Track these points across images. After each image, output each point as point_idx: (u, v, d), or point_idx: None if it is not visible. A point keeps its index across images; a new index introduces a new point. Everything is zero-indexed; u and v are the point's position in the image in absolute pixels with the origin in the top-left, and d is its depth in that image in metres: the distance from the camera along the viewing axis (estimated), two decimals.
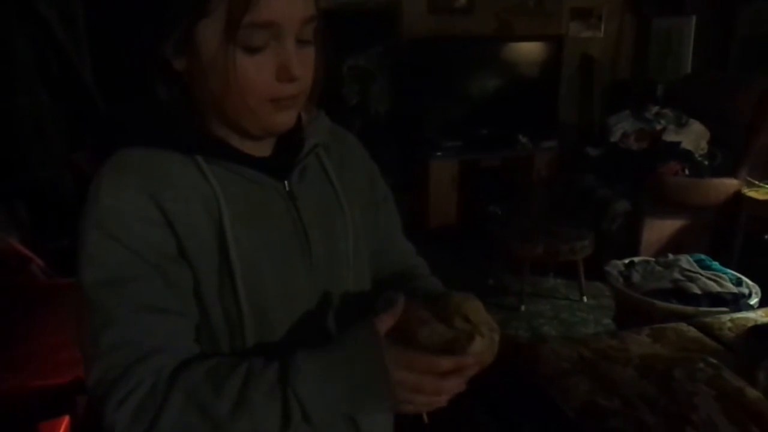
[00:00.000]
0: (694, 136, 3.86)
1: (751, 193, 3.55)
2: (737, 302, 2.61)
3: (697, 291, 2.66)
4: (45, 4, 2.62)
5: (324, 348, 0.73)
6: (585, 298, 3.64)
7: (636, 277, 2.88)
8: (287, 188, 0.84)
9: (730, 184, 3.62)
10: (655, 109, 4.19)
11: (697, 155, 3.77)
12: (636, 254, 3.32)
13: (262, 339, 0.79)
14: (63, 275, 2.05)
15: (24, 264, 2.08)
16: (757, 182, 3.59)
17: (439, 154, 4.44)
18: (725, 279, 2.76)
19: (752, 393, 1.75)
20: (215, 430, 0.69)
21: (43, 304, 1.88)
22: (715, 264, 2.92)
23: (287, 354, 0.73)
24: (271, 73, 0.74)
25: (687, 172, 3.70)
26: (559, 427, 1.82)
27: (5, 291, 1.94)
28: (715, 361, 1.89)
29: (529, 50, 4.70)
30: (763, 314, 2.39)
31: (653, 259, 3.04)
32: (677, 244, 3.53)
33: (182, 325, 0.75)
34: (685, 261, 2.91)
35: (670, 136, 3.91)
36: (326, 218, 0.87)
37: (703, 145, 3.85)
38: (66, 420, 1.63)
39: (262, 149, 0.84)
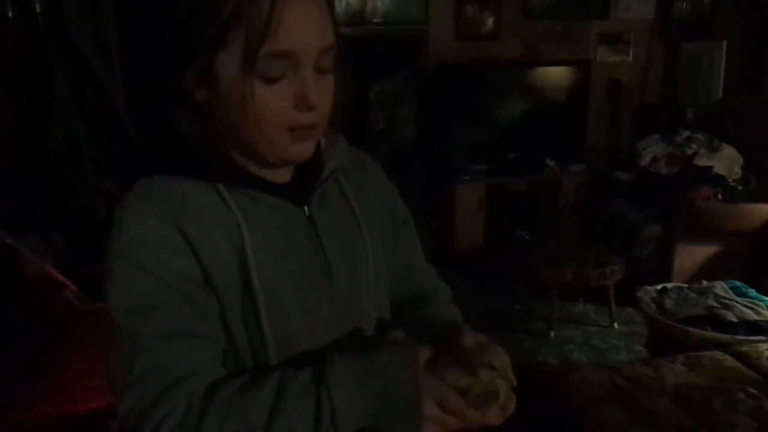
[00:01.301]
0: (726, 161, 3.80)
1: None
2: None
3: (734, 319, 2.59)
4: (82, 37, 2.71)
5: (361, 355, 0.74)
6: (616, 325, 3.57)
7: (669, 303, 2.82)
8: (307, 213, 0.84)
9: (766, 209, 3.54)
10: (686, 133, 4.14)
11: (730, 180, 3.70)
12: (668, 280, 3.25)
13: (285, 362, 0.79)
14: (96, 300, 2.08)
15: (58, 290, 2.11)
16: None
17: (465, 178, 4.43)
18: (762, 307, 2.68)
19: None
20: None
21: (76, 330, 1.91)
22: (752, 291, 2.84)
23: (320, 361, 0.74)
24: (290, 103, 0.75)
25: (720, 197, 3.63)
26: None
27: (40, 318, 1.97)
28: (755, 391, 1.83)
29: (556, 74, 4.69)
30: None
31: (687, 286, 2.97)
32: (711, 270, 3.45)
33: (211, 350, 0.76)
34: (720, 288, 2.85)
35: (701, 161, 3.85)
36: (346, 243, 0.87)
37: (737, 170, 3.78)
38: None
39: (282, 175, 0.85)
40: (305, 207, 0.85)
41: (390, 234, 0.96)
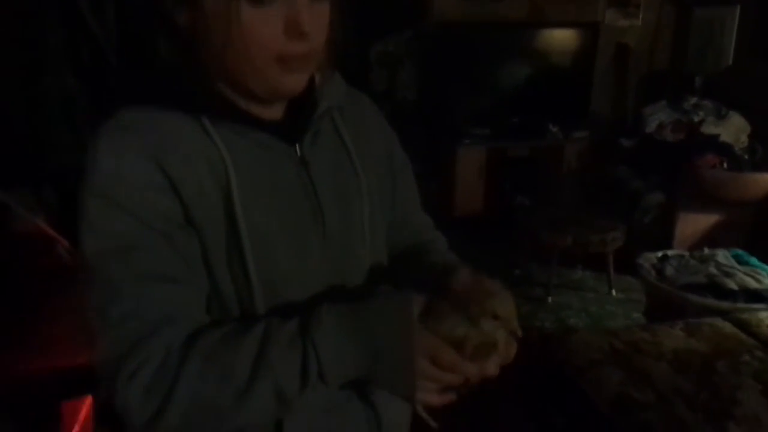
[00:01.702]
0: (733, 129, 3.74)
1: None
2: None
3: (734, 286, 2.57)
4: None
5: (351, 306, 0.70)
6: (614, 292, 3.56)
7: (669, 270, 2.80)
8: (299, 153, 0.79)
9: None
10: (693, 100, 4.08)
11: (736, 149, 3.65)
12: (669, 248, 3.23)
13: (272, 310, 0.75)
14: None
15: (50, 245, 2.09)
16: None
17: (467, 141, 4.37)
18: (763, 275, 2.67)
19: None
20: (237, 395, 0.65)
21: (67, 284, 1.88)
22: (753, 259, 2.82)
23: (308, 312, 0.69)
24: (279, 28, 0.68)
25: (725, 165, 3.58)
26: (591, 419, 1.78)
27: (32, 273, 1.95)
28: (761, 353, 1.81)
29: (562, 37, 4.59)
30: None
31: (688, 253, 2.95)
32: (713, 239, 3.43)
33: (192, 295, 0.71)
34: (722, 256, 2.82)
35: (708, 129, 3.80)
36: (340, 185, 0.82)
37: (744, 138, 3.73)
38: (89, 400, 1.64)
39: (272, 112, 0.79)
40: (297, 146, 0.79)
41: (388, 178, 0.91)
